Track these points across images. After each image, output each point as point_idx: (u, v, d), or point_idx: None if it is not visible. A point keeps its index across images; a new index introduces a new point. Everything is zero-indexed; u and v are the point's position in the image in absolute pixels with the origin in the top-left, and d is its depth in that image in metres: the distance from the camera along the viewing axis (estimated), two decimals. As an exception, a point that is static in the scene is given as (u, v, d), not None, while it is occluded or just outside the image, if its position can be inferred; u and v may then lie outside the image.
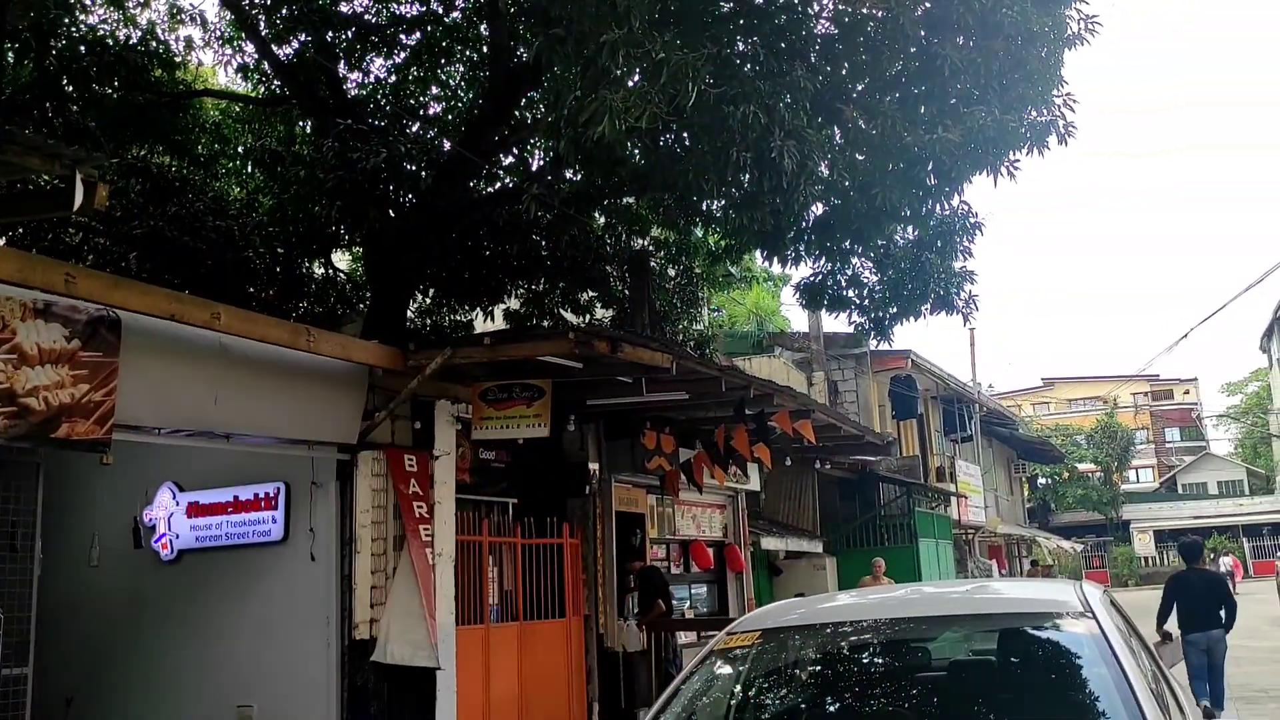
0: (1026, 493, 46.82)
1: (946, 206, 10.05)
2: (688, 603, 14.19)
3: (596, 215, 13.77)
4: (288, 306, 12.20)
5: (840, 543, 20.00)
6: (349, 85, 12.43)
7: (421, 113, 13.22)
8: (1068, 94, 9.03)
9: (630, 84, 7.27)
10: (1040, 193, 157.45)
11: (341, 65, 12.06)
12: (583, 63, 7.47)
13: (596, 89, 7.08)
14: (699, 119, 7.62)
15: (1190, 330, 50.54)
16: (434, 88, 13.36)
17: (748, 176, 7.90)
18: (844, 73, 9.12)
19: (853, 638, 4.03)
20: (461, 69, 13.24)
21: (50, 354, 5.77)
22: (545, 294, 13.88)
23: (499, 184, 13.19)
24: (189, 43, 12.86)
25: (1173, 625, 10.78)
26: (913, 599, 4.61)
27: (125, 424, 6.29)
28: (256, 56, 12.34)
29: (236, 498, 8.78)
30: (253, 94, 13.34)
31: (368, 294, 12.62)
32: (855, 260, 10.87)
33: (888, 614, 4.18)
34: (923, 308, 10.66)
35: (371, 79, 12.93)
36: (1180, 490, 65.52)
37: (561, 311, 14.14)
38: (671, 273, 15.57)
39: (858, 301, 10.99)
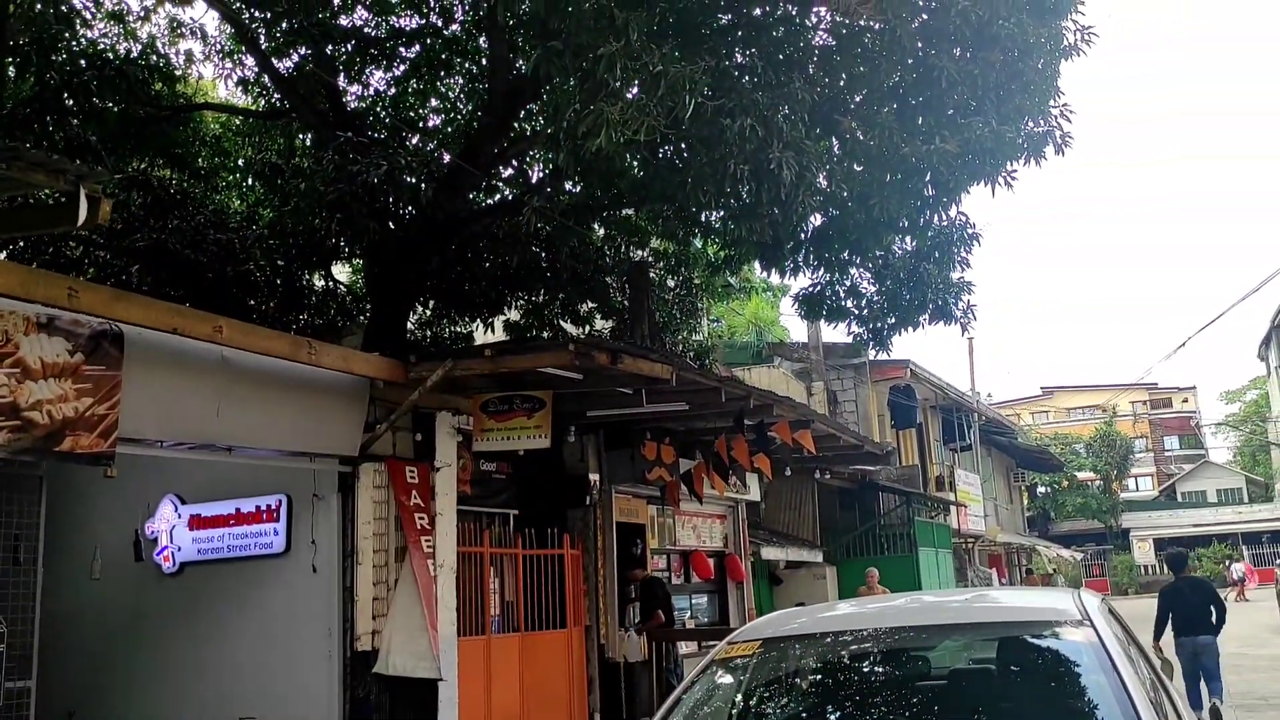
0: (1026, 501, 46.81)
1: (944, 217, 10.10)
2: (689, 613, 14.19)
3: (596, 227, 13.81)
4: (288, 319, 12.23)
5: (840, 552, 20.01)
6: (349, 98, 12.49)
7: (421, 125, 13.28)
8: (1064, 105, 9.08)
9: (629, 96, 7.32)
10: (1038, 202, 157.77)
11: (341, 78, 12.11)
12: (581, 75, 7.53)
13: (595, 102, 7.13)
14: (697, 131, 7.67)
15: (1188, 339, 50.65)
16: (433, 100, 13.42)
17: (746, 188, 7.94)
18: (842, 84, 9.17)
19: (853, 647, 4.05)
20: (461, 81, 13.30)
21: (53, 368, 5.80)
22: (545, 305, 13.92)
23: (498, 196, 13.24)
24: (189, 56, 12.92)
25: (1166, 643, 11.22)
26: (912, 608, 4.62)
27: (128, 437, 6.31)
28: (256, 70, 12.40)
29: (238, 510, 8.79)
30: (253, 107, 13.40)
31: (368, 306, 12.65)
32: (854, 271, 10.91)
33: (887, 623, 4.20)
34: (921, 318, 10.70)
35: (371, 92, 12.99)
36: (1179, 498, 65.50)
37: (561, 323, 14.17)
38: (671, 283, 15.61)
39: (856, 312, 11.03)
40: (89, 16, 11.89)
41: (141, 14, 12.33)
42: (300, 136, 12.89)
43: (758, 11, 8.91)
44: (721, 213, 9.71)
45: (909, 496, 21.34)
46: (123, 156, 11.99)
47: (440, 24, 12.35)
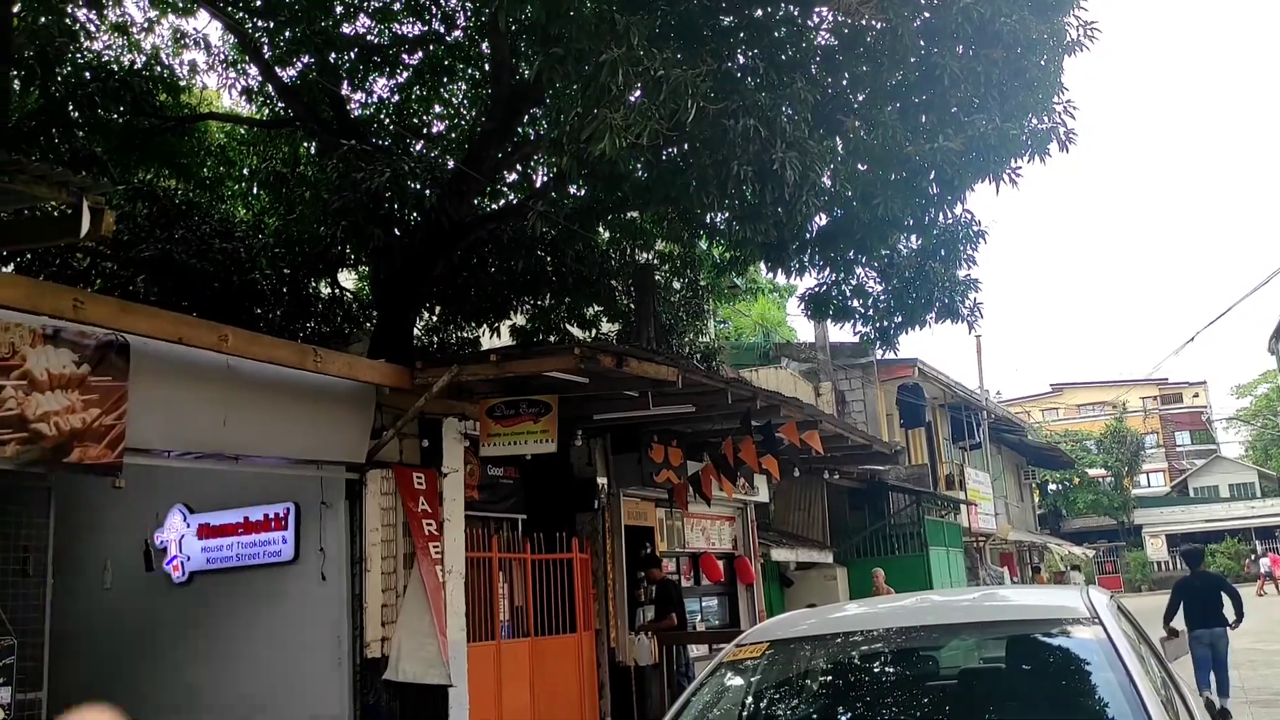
0: (1037, 499, 46.67)
1: (949, 215, 10.09)
2: (699, 615, 14.17)
3: (600, 230, 13.81)
4: (294, 327, 12.25)
5: (850, 553, 19.97)
6: (352, 106, 12.51)
7: (425, 131, 13.30)
8: (1068, 101, 9.07)
9: (631, 100, 7.32)
10: (1044, 198, 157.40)
11: (345, 86, 12.14)
12: (583, 80, 7.53)
13: (597, 106, 7.13)
14: (700, 133, 7.67)
15: (1198, 333, 50.24)
16: (437, 106, 13.44)
17: (750, 189, 7.94)
18: (845, 84, 9.18)
19: (862, 647, 4.04)
20: (464, 87, 13.32)
21: (60, 379, 5.81)
22: (551, 309, 13.92)
23: (503, 201, 13.25)
24: (193, 67, 12.96)
25: (1179, 624, 11.85)
26: (921, 607, 4.60)
27: (135, 447, 6.33)
28: (260, 79, 12.43)
29: (247, 519, 8.81)
30: (257, 116, 13.43)
31: (374, 313, 12.67)
32: (859, 270, 10.90)
33: (896, 623, 4.19)
34: (928, 316, 10.68)
35: (374, 99, 13.01)
36: (1191, 494, 65.26)
37: (567, 327, 14.18)
38: (676, 286, 15.61)
39: (863, 311, 11.01)
40: (93, 29, 11.93)
41: (145, 25, 12.38)
42: (305, 145, 12.93)
43: (759, 13, 8.91)
44: (726, 214, 9.72)
45: (919, 496, 21.30)
46: (128, 167, 12.04)
47: (442, 30, 12.37)
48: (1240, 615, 11.73)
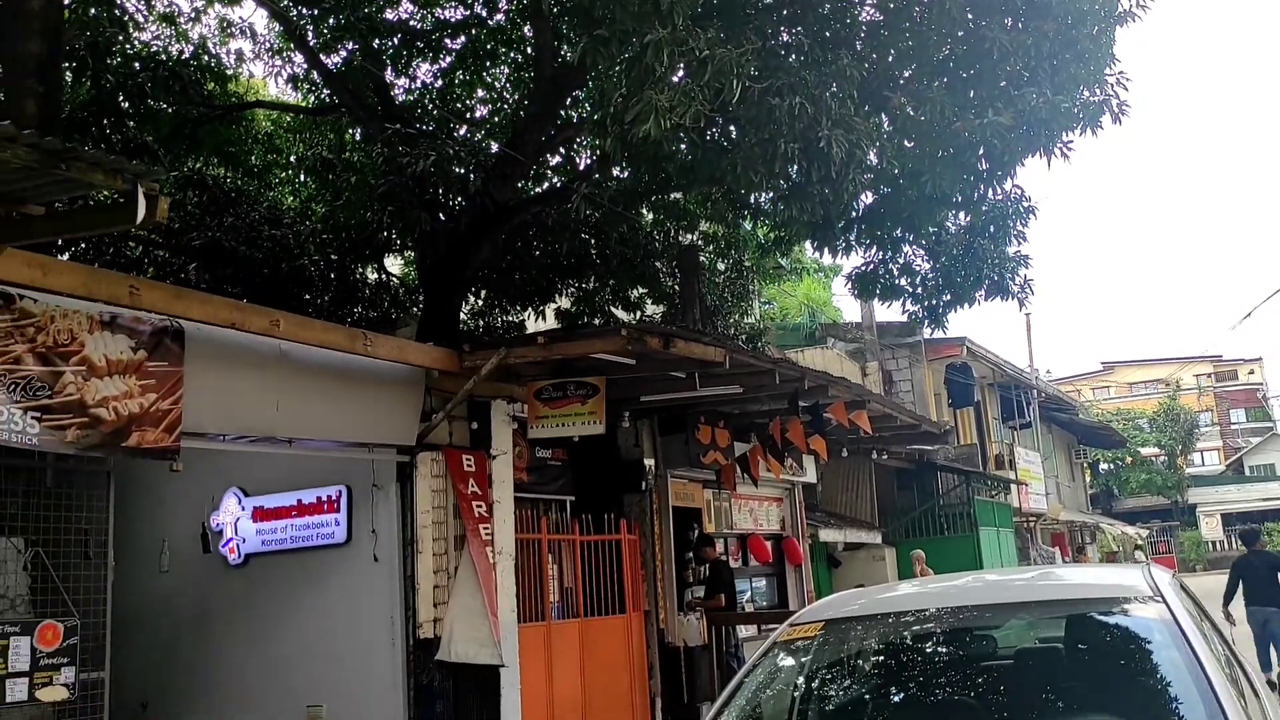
0: (1088, 478, 46.07)
1: (999, 190, 9.93)
2: (747, 595, 14.17)
3: (645, 212, 13.79)
4: (343, 312, 12.38)
5: (899, 533, 19.85)
6: (396, 91, 12.57)
7: (468, 116, 13.34)
8: (1120, 72, 8.89)
9: (675, 80, 7.28)
10: (1095, 171, 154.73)
11: (389, 72, 12.20)
12: (627, 62, 7.50)
13: (641, 88, 7.09)
14: (745, 112, 7.61)
15: (1254, 309, 49.28)
16: (480, 90, 13.48)
17: (795, 167, 7.87)
18: (890, 59, 9.06)
19: (916, 627, 4.00)
20: (506, 71, 13.34)
21: (118, 365, 5.91)
22: (595, 292, 13.94)
23: (547, 184, 13.27)
24: (240, 55, 13.11)
25: (1236, 607, 12.40)
26: (976, 587, 4.55)
27: (191, 431, 6.42)
28: (306, 66, 12.54)
29: (300, 501, 8.92)
30: (303, 104, 13.55)
31: (420, 297, 12.76)
32: (907, 248, 10.78)
33: (951, 602, 4.14)
34: (977, 294, 10.54)
35: (418, 84, 13.07)
36: (1247, 472, 64.02)
37: (612, 309, 14.19)
38: (721, 266, 15.56)
39: (910, 290, 10.89)
40: (142, 19, 12.09)
41: (192, 15, 12.53)
42: (350, 131, 13.03)
43: (803, -12, 8.81)
44: (771, 193, 9.64)
45: (968, 476, 21.10)
46: (178, 156, 12.21)
47: (485, 14, 12.38)
48: None
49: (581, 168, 12.98)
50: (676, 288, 13.85)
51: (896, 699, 3.76)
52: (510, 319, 14.15)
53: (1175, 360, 62.16)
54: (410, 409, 8.35)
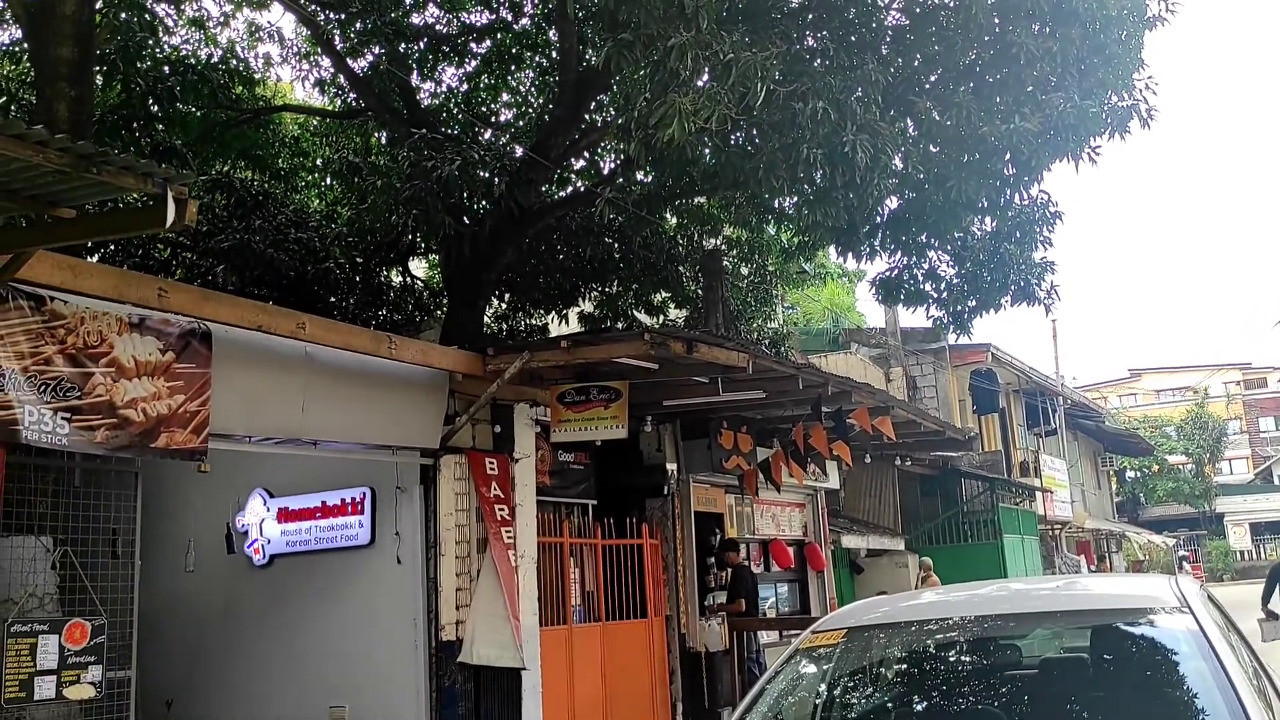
0: (1114, 486, 45.65)
1: (1025, 196, 9.88)
2: (769, 601, 14.13)
3: (668, 216, 13.80)
4: (367, 315, 12.45)
5: (922, 540, 19.74)
6: (422, 95, 12.64)
7: (493, 120, 13.40)
8: (1149, 77, 8.84)
9: (699, 84, 7.29)
10: (1123, 176, 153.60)
11: (414, 76, 12.27)
12: (651, 65, 7.52)
13: (666, 91, 7.11)
14: (769, 116, 7.61)
15: (1284, 316, 48.73)
16: (505, 94, 13.54)
17: (820, 172, 7.87)
18: (916, 64, 9.03)
19: (939, 635, 3.97)
20: (531, 75, 13.39)
21: (146, 366, 5.97)
22: (618, 296, 13.95)
23: (571, 188, 13.30)
24: (268, 59, 13.22)
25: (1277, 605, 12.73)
26: (1001, 595, 4.52)
27: (218, 433, 6.47)
28: (332, 70, 12.63)
29: (324, 503, 8.97)
30: (329, 107, 13.64)
31: (444, 301, 12.81)
32: (932, 253, 10.74)
33: (975, 611, 4.11)
34: (1002, 300, 10.49)
35: (444, 88, 13.14)
36: (1276, 481, 63.23)
37: (635, 313, 14.20)
38: (745, 271, 15.54)
39: (935, 295, 10.85)
40: (171, 24, 12.23)
41: (221, 19, 12.64)
42: (376, 135, 13.11)
43: (829, -7, 8.81)
44: (795, 198, 9.63)
45: (992, 483, 20.97)
46: (206, 159, 12.32)
47: (510, 18, 12.44)
48: None
49: (606, 172, 13.01)
50: (700, 292, 13.85)
51: (919, 708, 3.73)
52: (533, 322, 14.19)
53: (1203, 367, 61.57)
54: (434, 412, 8.39)
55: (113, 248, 10.87)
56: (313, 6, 11.38)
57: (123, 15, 11.01)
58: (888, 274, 10.95)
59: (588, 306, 14.09)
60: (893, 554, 18.05)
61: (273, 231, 11.17)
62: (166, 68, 11.57)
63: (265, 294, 10.51)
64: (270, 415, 7.05)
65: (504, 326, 14.03)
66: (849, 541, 16.55)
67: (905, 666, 3.94)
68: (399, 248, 12.72)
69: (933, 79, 9.05)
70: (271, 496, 9.34)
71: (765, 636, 12.61)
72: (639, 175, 12.00)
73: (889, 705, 3.75)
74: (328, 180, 13.95)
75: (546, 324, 14.27)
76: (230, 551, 9.35)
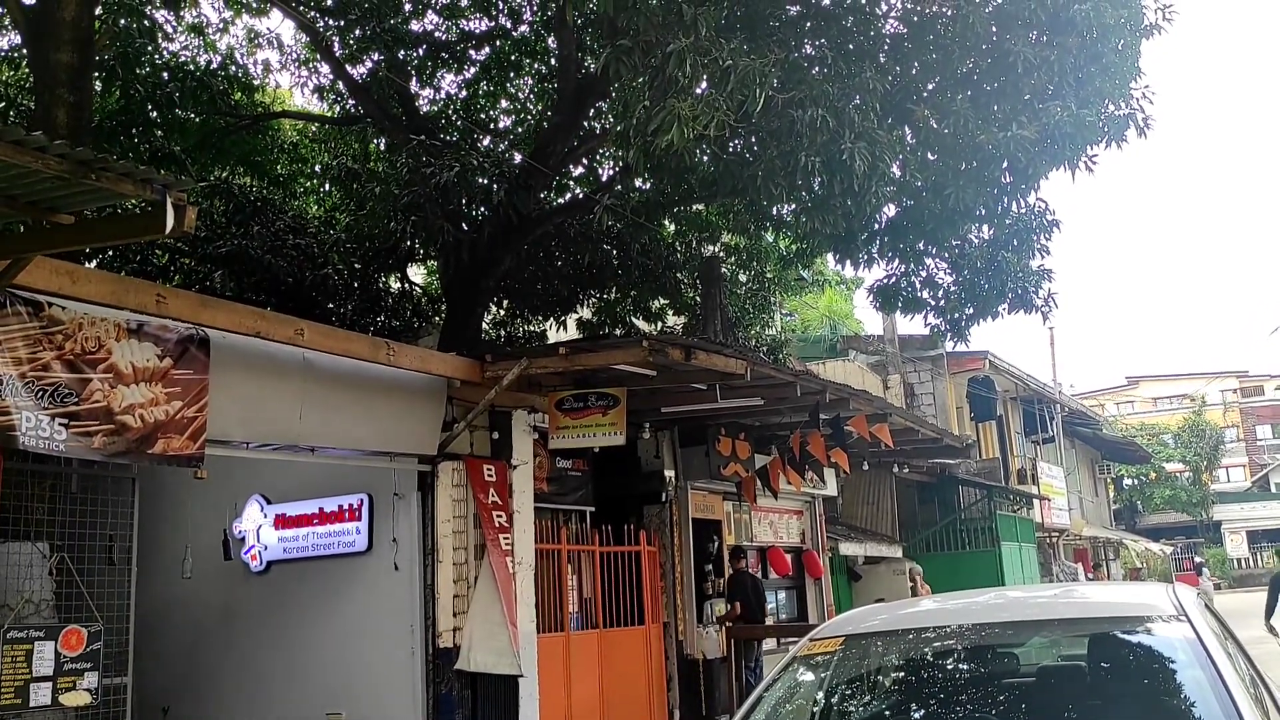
0: (1112, 494, 45.67)
1: (1022, 204, 9.90)
2: (769, 608, 14.12)
3: (667, 223, 13.81)
4: (365, 321, 12.45)
5: (920, 547, 19.74)
6: (421, 102, 12.66)
7: (492, 126, 13.42)
8: (1146, 86, 8.87)
9: (698, 91, 7.30)
10: (1120, 184, 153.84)
11: (413, 83, 12.29)
12: (650, 72, 7.52)
13: (664, 98, 7.12)
14: (767, 124, 7.62)
15: (1281, 323, 48.84)
16: (503, 101, 13.56)
17: (818, 180, 7.87)
18: (914, 72, 9.05)
19: (937, 643, 3.97)
20: (530, 82, 13.40)
21: (144, 372, 5.97)
22: (617, 303, 13.96)
23: (569, 195, 13.31)
24: (267, 66, 13.26)
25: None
26: (998, 604, 4.51)
27: (216, 439, 6.47)
28: (331, 77, 12.64)
29: (322, 509, 8.96)
30: (328, 114, 13.65)
31: (443, 307, 12.81)
32: (929, 261, 10.75)
33: (973, 619, 4.11)
34: (1000, 307, 10.49)
35: (442, 95, 13.16)
36: (1273, 489, 63.26)
37: (633, 320, 14.20)
38: (743, 278, 15.55)
39: (933, 303, 10.86)
40: (170, 30, 12.23)
41: (221, 26, 12.66)
42: (374, 141, 13.12)
43: (827, 1, 8.83)
44: (793, 205, 9.64)
45: (990, 490, 20.97)
46: (205, 165, 12.32)
47: (509, 25, 12.46)
48: None
49: (604, 179, 13.02)
50: (698, 299, 13.85)
51: (917, 716, 3.73)
52: (532, 329, 14.19)
53: (1201, 375, 61.62)
54: (432, 418, 8.38)
55: (111, 254, 10.87)
56: (312, 13, 11.40)
57: (122, 21, 11.02)
58: (885, 281, 10.96)
59: (586, 313, 14.10)
60: (891, 561, 18.05)
61: (271, 238, 11.17)
62: (166, 74, 11.58)
63: (263, 300, 10.51)
64: (268, 421, 7.04)
65: (502, 333, 14.03)
66: (847, 549, 16.55)
67: (903, 674, 3.94)
68: (397, 254, 12.72)
69: (930, 87, 9.07)
70: (269, 503, 9.33)
71: (766, 645, 12.59)
72: (637, 182, 12.01)
73: (886, 713, 3.75)
74: (326, 186, 13.96)
75: (545, 330, 14.27)
76: (227, 558, 9.32)
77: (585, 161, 13.20)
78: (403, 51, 11.73)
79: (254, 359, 6.84)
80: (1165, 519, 56.33)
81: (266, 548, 9.29)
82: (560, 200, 13.05)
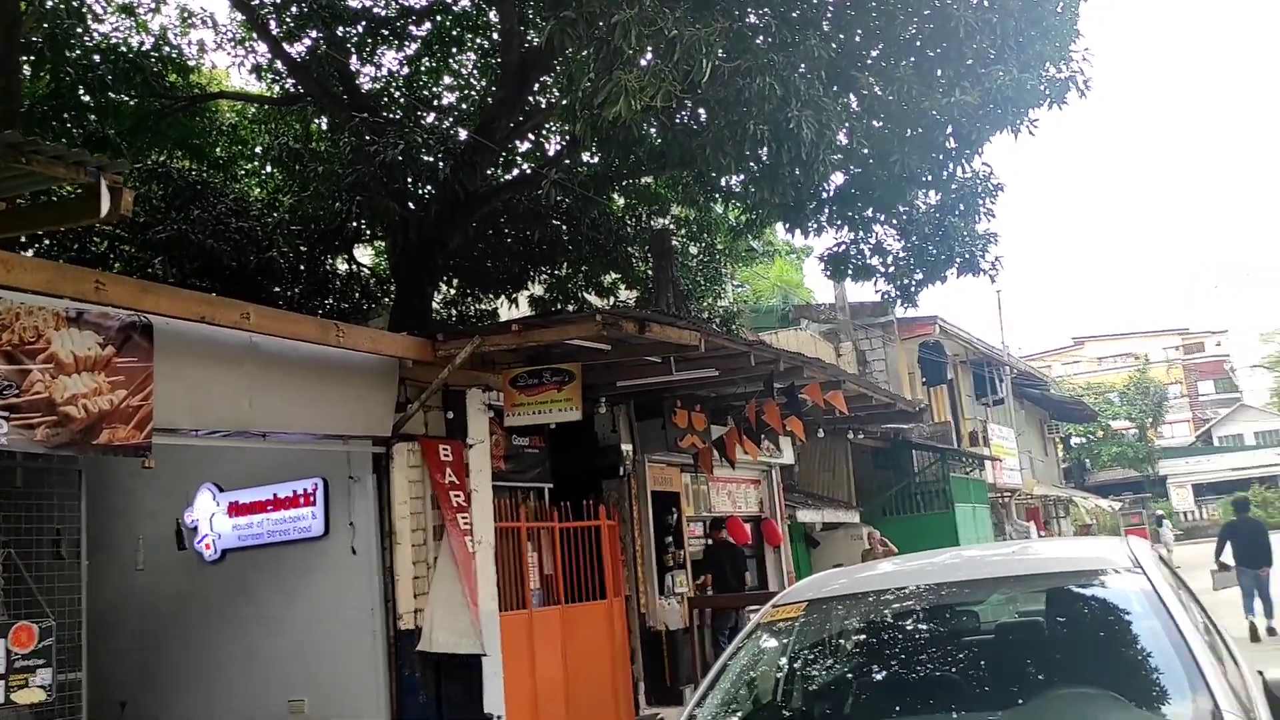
0: (1061, 453, 46.50)
1: (967, 169, 9.99)
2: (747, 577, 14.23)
3: (616, 196, 13.75)
4: (313, 304, 12.27)
5: (876, 512, 19.98)
6: (362, 80, 12.45)
7: (436, 103, 13.24)
8: (1085, 48, 8.95)
9: (644, 63, 7.24)
10: (1061, 146, 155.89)
11: (354, 60, 12.08)
12: (595, 44, 7.45)
13: (610, 70, 7.06)
14: (714, 94, 7.59)
15: (1221, 282, 50.02)
16: (447, 77, 13.37)
17: (766, 149, 7.87)
18: (858, 39, 9.06)
19: (898, 605, 4.01)
20: (473, 57, 13.24)
21: (86, 362, 5.83)
22: (568, 278, 13.90)
23: (517, 171, 13.19)
24: (201, 46, 12.95)
25: (1228, 559, 14.30)
26: (956, 563, 4.57)
27: (163, 427, 6.35)
28: (269, 56, 12.39)
29: (276, 495, 8.85)
30: (267, 94, 13.39)
31: (392, 288, 12.67)
32: (878, 228, 10.83)
33: (932, 579, 4.16)
34: (948, 271, 10.61)
35: (384, 72, 12.95)
36: (1216, 443, 64.88)
37: (585, 295, 14.15)
38: (694, 250, 15.55)
39: (883, 269, 10.94)
40: (100, 10, 11.91)
41: (152, 6, 12.34)
42: (316, 121, 12.90)
43: (769, -31, 8.78)
44: (742, 176, 9.64)
45: (943, 453, 21.25)
46: (141, 149, 12.04)
47: (450, 0, 12.27)
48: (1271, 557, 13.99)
49: (552, 154, 12.92)
50: (649, 272, 13.83)
51: (879, 676, 3.77)
52: (483, 307, 14.08)
53: (1144, 334, 62.85)
54: (385, 400, 8.30)
55: (48, 242, 10.60)
56: (246, -10, 11.14)
57: (50, 2, 10.71)
58: (835, 249, 11.02)
59: (538, 290, 14.02)
60: (848, 527, 18.24)
61: (212, 221, 10.94)
62: (97, 56, 11.28)
63: (207, 285, 10.32)
64: (216, 408, 6.93)
65: (453, 312, 13.91)
66: (805, 516, 16.70)
67: (865, 636, 3.97)
68: (344, 235, 12.54)
69: (874, 54, 9.09)
70: (221, 491, 9.20)
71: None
72: (585, 156, 11.93)
73: (850, 675, 3.79)
74: (268, 168, 13.71)
75: (496, 308, 14.18)
76: (181, 548, 9.20)
77: (532, 136, 13.08)
78: (341, 28, 11.51)
79: (200, 345, 6.71)
80: (1113, 476, 57.55)
81: (220, 536, 9.17)
82: (508, 176, 12.93)
